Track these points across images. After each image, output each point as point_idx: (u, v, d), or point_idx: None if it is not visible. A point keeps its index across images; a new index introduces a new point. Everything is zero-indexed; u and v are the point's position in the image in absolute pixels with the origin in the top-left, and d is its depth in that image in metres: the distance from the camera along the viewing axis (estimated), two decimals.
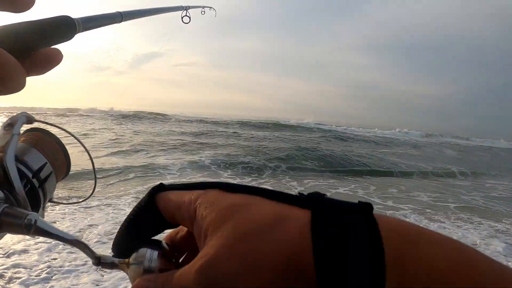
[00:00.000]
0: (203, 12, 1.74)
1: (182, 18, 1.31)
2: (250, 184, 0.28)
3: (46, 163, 0.34)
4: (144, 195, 0.31)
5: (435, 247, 0.21)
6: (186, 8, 1.30)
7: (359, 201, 0.24)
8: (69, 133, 0.38)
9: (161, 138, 12.54)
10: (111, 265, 0.30)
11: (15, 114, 0.33)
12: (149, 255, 0.29)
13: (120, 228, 0.31)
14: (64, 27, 0.32)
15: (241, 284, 0.22)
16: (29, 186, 0.32)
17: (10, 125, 0.32)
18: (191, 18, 1.36)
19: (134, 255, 0.29)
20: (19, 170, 0.31)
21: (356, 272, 0.21)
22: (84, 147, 0.39)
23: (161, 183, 0.31)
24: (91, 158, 0.41)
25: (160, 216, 0.30)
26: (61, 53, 0.29)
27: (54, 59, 0.29)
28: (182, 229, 0.33)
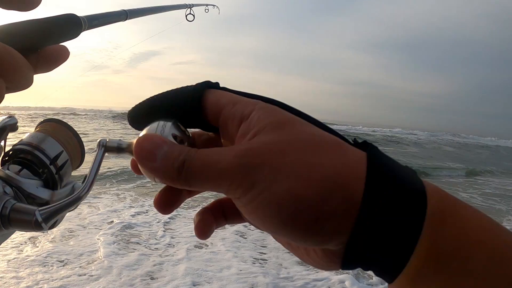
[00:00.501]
0: (206, 10, 1.75)
1: (186, 16, 1.32)
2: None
3: (63, 151, 0.35)
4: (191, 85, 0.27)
5: (469, 213, 0.22)
6: (190, 6, 1.30)
7: (405, 166, 0.24)
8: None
9: None
10: (118, 150, 0.28)
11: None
12: (162, 125, 0.26)
13: (147, 99, 0.27)
14: (70, 25, 0.33)
15: (283, 183, 0.21)
16: (47, 171, 0.33)
17: None
18: (195, 16, 1.36)
19: (144, 131, 0.26)
20: (37, 157, 0.32)
21: (399, 215, 0.21)
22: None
23: (217, 82, 0.28)
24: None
25: (199, 111, 0.26)
26: (67, 50, 0.30)
27: (61, 56, 0.29)
28: (205, 135, 0.30)
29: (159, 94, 0.27)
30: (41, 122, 0.36)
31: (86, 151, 0.39)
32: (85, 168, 0.35)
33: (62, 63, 0.29)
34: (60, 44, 0.30)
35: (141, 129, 0.27)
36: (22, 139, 0.34)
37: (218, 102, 0.26)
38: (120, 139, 0.28)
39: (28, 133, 0.34)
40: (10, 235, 0.32)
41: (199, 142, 0.30)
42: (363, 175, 0.21)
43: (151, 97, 0.27)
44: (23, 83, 0.24)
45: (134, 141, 0.25)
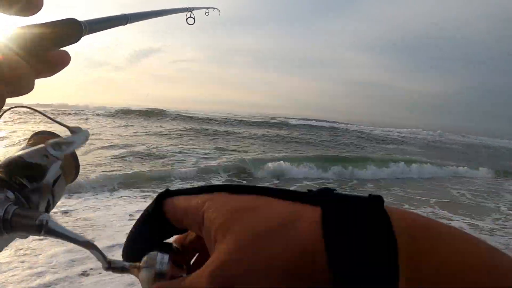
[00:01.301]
0: (207, 13, 1.75)
1: (187, 19, 1.32)
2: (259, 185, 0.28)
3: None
4: (150, 202, 0.31)
5: (448, 241, 0.21)
6: (191, 10, 1.30)
7: (369, 195, 0.24)
8: (40, 112, 0.38)
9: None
10: (122, 269, 0.30)
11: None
12: (160, 258, 0.29)
13: (129, 235, 0.31)
14: (71, 30, 0.33)
15: (254, 286, 0.22)
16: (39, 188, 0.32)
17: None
18: (195, 19, 1.36)
19: (145, 259, 0.29)
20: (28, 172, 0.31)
21: (370, 269, 0.20)
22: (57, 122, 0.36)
23: (167, 189, 0.31)
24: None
25: (167, 222, 0.30)
26: (69, 55, 0.30)
27: (62, 61, 0.29)
28: (191, 233, 0.33)
29: (131, 230, 0.31)
30: (33, 135, 0.36)
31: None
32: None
33: (63, 68, 0.29)
34: (61, 49, 0.30)
35: (139, 260, 0.30)
36: (12, 154, 0.33)
37: (175, 214, 0.29)
38: (124, 263, 0.30)
39: (20, 147, 0.34)
40: (12, 241, 0.32)
41: (191, 239, 0.33)
42: (322, 244, 0.22)
43: (129, 234, 0.31)
44: (24, 88, 0.24)
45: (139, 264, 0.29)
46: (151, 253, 0.29)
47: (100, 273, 2.76)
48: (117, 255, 0.31)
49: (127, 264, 0.30)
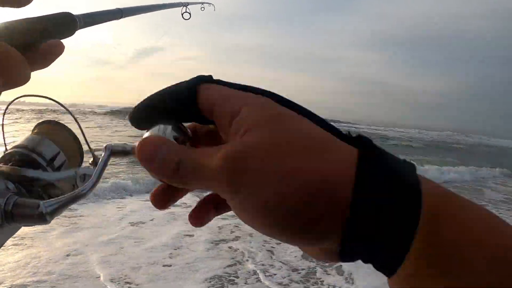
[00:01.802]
0: (202, 8, 1.74)
1: (182, 14, 1.32)
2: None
3: (60, 152, 0.35)
4: (185, 80, 0.28)
5: (469, 211, 0.21)
6: (186, 5, 1.30)
7: (403, 159, 0.23)
8: (58, 102, 0.39)
9: None
10: (123, 153, 0.29)
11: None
12: (163, 128, 0.27)
13: (146, 99, 0.28)
14: (65, 24, 0.33)
15: (267, 188, 0.21)
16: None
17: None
18: (191, 14, 1.36)
19: (147, 133, 0.28)
20: (33, 160, 0.32)
21: (389, 220, 0.20)
22: (76, 120, 0.37)
23: (210, 75, 0.28)
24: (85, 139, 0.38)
25: (195, 105, 0.27)
26: (62, 44, 0.30)
27: (56, 50, 0.29)
28: (206, 127, 0.31)
29: (156, 93, 0.28)
30: (37, 125, 0.37)
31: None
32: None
33: (57, 58, 0.30)
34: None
35: (143, 130, 0.28)
36: (17, 143, 0.34)
37: (210, 98, 0.26)
38: (125, 143, 0.29)
39: (24, 136, 0.34)
40: (16, 232, 0.32)
41: (201, 133, 0.31)
42: (351, 178, 0.21)
43: (149, 97, 0.28)
44: (20, 80, 0.25)
45: (137, 143, 0.26)
46: (154, 127, 0.27)
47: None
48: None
49: (129, 146, 0.29)
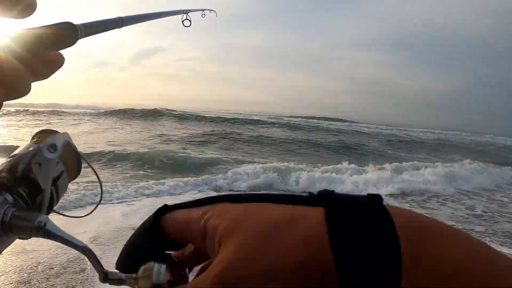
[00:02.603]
0: (203, 15, 1.75)
1: (183, 21, 1.32)
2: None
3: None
4: (147, 217, 0.30)
5: (448, 241, 0.21)
6: (187, 12, 1.30)
7: (368, 194, 0.24)
8: (84, 160, 0.40)
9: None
10: (119, 281, 0.30)
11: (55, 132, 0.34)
12: (157, 268, 0.28)
13: (124, 247, 0.31)
14: (67, 33, 0.33)
15: (260, 286, 0.22)
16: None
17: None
18: (191, 22, 1.36)
19: (141, 269, 0.29)
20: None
21: (375, 267, 0.21)
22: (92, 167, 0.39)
23: (165, 204, 0.30)
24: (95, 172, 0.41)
25: (165, 238, 0.29)
26: (63, 56, 0.30)
27: (57, 63, 0.29)
28: (189, 247, 0.33)
29: (128, 242, 0.31)
30: (37, 133, 0.37)
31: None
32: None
33: (58, 69, 0.30)
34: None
35: (136, 271, 0.30)
36: (16, 152, 0.34)
37: (176, 228, 0.29)
38: (121, 274, 0.30)
39: (23, 145, 0.34)
40: (11, 243, 0.32)
41: (188, 253, 0.33)
42: (327, 242, 0.22)
43: (124, 247, 0.31)
44: (21, 91, 0.25)
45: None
46: (148, 263, 0.29)
47: None
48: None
49: (123, 275, 0.29)
